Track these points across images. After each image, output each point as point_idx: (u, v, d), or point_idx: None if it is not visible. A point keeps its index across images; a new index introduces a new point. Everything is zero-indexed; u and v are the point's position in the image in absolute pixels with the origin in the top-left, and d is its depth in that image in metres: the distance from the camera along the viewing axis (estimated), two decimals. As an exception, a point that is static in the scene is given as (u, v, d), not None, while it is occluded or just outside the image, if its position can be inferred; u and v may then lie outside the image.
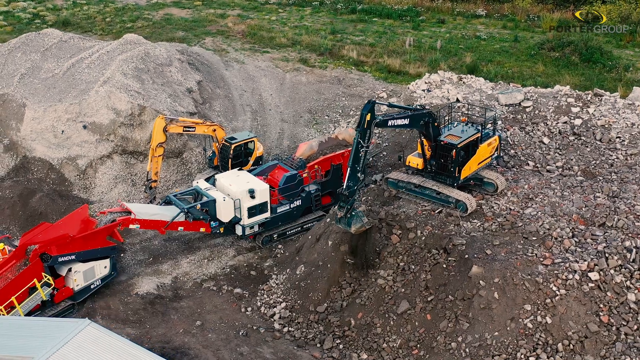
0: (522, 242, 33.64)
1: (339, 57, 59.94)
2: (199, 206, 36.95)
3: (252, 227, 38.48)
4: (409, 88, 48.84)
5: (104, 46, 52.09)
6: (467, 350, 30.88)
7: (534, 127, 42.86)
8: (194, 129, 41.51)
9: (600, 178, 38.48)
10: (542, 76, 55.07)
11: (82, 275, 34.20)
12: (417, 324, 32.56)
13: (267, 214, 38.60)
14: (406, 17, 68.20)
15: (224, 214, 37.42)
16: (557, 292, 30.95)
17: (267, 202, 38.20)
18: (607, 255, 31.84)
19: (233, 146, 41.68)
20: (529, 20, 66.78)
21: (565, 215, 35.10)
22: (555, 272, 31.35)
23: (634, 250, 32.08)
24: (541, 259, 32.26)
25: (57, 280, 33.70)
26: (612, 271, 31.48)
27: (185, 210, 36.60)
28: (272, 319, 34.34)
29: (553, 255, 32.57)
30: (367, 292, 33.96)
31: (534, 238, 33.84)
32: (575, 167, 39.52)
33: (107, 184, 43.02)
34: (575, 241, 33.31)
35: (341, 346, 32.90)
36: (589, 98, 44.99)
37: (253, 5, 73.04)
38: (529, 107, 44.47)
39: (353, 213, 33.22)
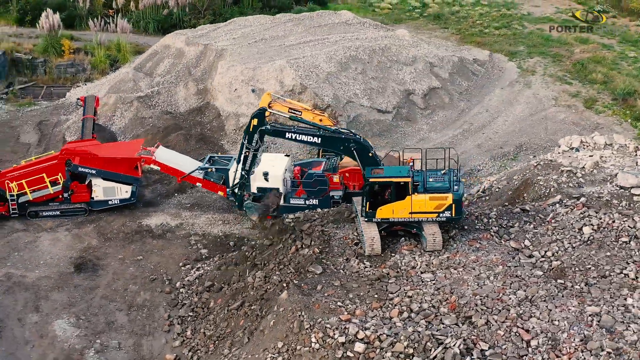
0: (362, 294, 32.97)
1: (630, 107, 55.34)
2: (212, 169, 43.16)
3: (263, 208, 42.85)
4: (557, 141, 45.22)
5: (368, 35, 58.55)
6: (229, 362, 32.77)
7: (602, 217, 37.36)
8: (300, 113, 46.63)
9: (566, 283, 33.31)
10: None
11: (101, 189, 43.75)
12: (232, 324, 34.93)
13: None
14: None
15: (233, 185, 42.87)
16: (312, 343, 30.54)
17: (279, 188, 42.16)
18: (411, 338, 29.72)
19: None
20: None
21: (448, 294, 32.66)
22: (329, 326, 30.74)
23: (439, 346, 29.41)
24: (345, 313, 31.63)
25: (80, 185, 44.00)
26: (389, 355, 29.63)
27: (200, 169, 43.23)
28: (181, 279, 39.47)
29: (364, 316, 31.56)
30: (237, 284, 36.99)
31: (375, 295, 32.80)
32: (556, 262, 34.62)
33: (249, 143, 50.88)
34: (407, 317, 31.50)
35: (189, 319, 36.92)
36: None
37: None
38: (638, 196, 38.44)
39: (248, 206, 36.91)
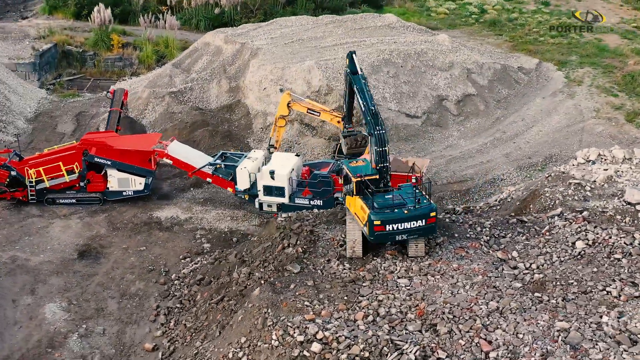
0: (333, 295, 33.15)
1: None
2: (220, 165, 43.99)
3: (270, 206, 43.50)
4: (575, 152, 44.29)
5: (407, 39, 58.49)
6: (202, 352, 33.51)
7: (599, 232, 36.54)
8: (318, 114, 47.07)
9: (543, 296, 32.76)
10: None
11: (116, 180, 45.11)
12: (211, 317, 35.59)
13: (284, 200, 43.03)
14: None
15: (240, 181, 43.54)
16: (272, 340, 30.90)
17: (284, 187, 42.69)
18: (369, 341, 29.86)
19: (341, 139, 46.24)
20: None
21: (419, 300, 32.57)
22: (290, 324, 31.08)
23: (396, 351, 29.50)
24: (310, 313, 31.90)
25: (97, 175, 45.50)
26: (344, 357, 29.84)
27: (209, 164, 44.14)
28: (177, 272, 40.41)
29: (330, 317, 31.77)
30: (223, 278, 37.65)
31: (345, 297, 32.93)
32: (538, 275, 34.05)
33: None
34: (372, 321, 31.57)
35: (175, 310, 37.82)
36: None
37: None
38: (644, 213, 37.45)
39: (344, 134, 41.37)
